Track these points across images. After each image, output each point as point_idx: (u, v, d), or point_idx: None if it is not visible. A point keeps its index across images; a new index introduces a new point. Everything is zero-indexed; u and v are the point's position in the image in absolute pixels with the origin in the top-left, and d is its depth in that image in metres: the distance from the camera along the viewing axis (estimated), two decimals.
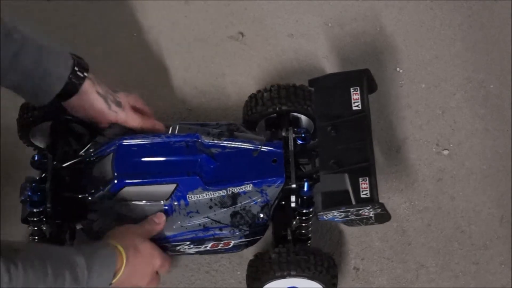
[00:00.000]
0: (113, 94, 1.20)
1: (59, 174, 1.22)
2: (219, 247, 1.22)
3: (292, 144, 1.24)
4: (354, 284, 1.36)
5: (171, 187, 1.16)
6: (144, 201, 1.17)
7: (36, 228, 1.22)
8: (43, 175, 1.23)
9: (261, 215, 1.19)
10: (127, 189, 1.15)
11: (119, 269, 1.05)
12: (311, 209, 1.20)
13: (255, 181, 1.18)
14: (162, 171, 1.16)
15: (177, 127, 1.24)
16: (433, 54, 1.59)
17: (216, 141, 1.20)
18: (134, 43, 1.60)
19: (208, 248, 1.22)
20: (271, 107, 1.30)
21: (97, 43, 1.59)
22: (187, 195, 1.17)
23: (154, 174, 1.15)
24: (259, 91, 1.33)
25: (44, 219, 1.21)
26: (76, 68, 1.14)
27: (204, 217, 1.18)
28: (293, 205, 1.21)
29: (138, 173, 1.15)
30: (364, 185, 1.11)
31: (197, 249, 1.22)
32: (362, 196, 1.09)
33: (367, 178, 1.10)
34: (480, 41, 1.60)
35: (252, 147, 1.21)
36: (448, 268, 1.37)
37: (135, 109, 1.23)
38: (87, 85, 1.15)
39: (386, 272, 1.37)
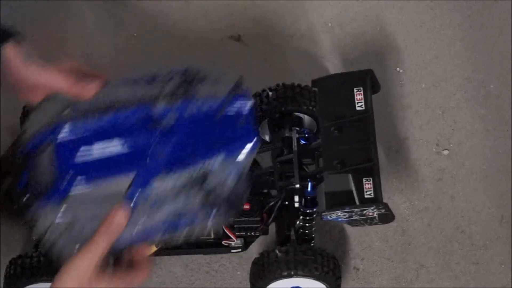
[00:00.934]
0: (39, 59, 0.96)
1: None
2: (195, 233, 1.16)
3: (295, 144, 1.24)
4: (354, 284, 1.36)
5: (128, 179, 0.92)
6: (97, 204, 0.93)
7: None
8: None
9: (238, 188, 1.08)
10: (76, 192, 0.90)
11: None
12: (314, 209, 1.20)
13: (226, 150, 0.94)
14: (115, 160, 0.91)
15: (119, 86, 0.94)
16: (433, 54, 1.59)
17: (170, 105, 0.93)
18: (134, 43, 1.60)
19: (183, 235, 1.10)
20: (276, 107, 1.30)
21: (97, 43, 1.59)
22: (149, 184, 0.92)
23: (105, 166, 0.90)
24: (264, 90, 1.33)
25: None
26: None
27: (172, 206, 1.01)
28: (296, 205, 1.21)
29: (87, 169, 0.90)
30: (368, 185, 1.11)
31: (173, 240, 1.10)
32: (366, 196, 1.09)
33: (370, 178, 1.10)
34: (480, 41, 1.60)
35: (216, 106, 0.95)
36: (448, 268, 1.37)
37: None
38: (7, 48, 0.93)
39: (386, 272, 1.37)
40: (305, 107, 1.29)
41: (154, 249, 1.21)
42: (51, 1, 1.63)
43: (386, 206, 1.09)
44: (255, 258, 1.23)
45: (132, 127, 0.91)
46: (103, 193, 0.91)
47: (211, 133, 0.93)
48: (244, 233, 1.25)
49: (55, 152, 0.89)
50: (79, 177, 0.89)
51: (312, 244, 1.26)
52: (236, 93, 0.94)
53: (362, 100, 1.19)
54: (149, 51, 1.59)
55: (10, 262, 1.21)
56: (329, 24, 1.62)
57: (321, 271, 1.18)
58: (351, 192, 1.11)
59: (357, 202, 1.10)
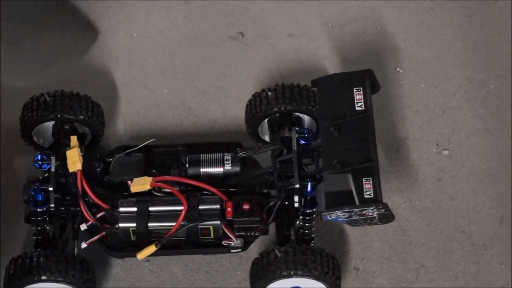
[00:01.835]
0: None
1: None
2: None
3: (295, 144, 1.23)
4: (354, 284, 1.36)
5: None
6: None
7: (39, 228, 1.22)
8: (46, 175, 1.23)
9: None
10: None
11: None
12: (314, 209, 1.20)
13: None
14: None
15: None
16: (433, 54, 1.59)
17: None
18: (134, 43, 1.59)
19: None
20: (275, 107, 1.30)
21: (97, 43, 1.59)
22: None
23: None
24: (263, 90, 1.33)
25: (47, 218, 1.21)
26: None
27: None
28: (296, 205, 1.21)
29: None
30: (368, 185, 1.10)
31: None
32: (366, 196, 1.08)
33: (370, 178, 1.10)
34: (480, 41, 1.60)
35: None
36: (448, 268, 1.37)
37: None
38: None
39: (386, 272, 1.37)
40: (304, 107, 1.29)
41: (154, 249, 1.21)
42: (51, 1, 1.63)
43: (386, 206, 1.09)
44: (255, 258, 1.23)
45: None
46: None
47: None
48: (244, 233, 1.25)
49: None
50: None
51: (312, 244, 1.26)
52: None
53: (362, 100, 1.19)
54: (149, 51, 1.58)
55: (10, 262, 1.21)
56: (329, 24, 1.62)
57: (321, 271, 1.18)
58: (351, 192, 1.11)
59: (357, 202, 1.10)
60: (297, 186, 1.19)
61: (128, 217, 1.23)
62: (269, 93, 1.31)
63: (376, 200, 1.09)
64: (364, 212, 1.11)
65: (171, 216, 1.22)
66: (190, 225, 1.21)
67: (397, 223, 1.40)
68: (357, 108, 1.19)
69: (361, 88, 1.20)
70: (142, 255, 1.22)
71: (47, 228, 1.22)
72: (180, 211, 1.21)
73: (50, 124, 1.31)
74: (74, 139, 1.25)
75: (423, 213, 1.42)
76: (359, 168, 1.12)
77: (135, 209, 1.23)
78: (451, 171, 1.46)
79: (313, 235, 1.25)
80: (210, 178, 1.27)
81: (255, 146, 1.35)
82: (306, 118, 1.33)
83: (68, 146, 1.25)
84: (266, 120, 1.34)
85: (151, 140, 1.31)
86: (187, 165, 1.27)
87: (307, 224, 1.22)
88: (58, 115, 1.28)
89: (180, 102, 1.52)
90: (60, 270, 1.17)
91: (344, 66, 1.57)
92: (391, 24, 1.62)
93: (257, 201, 1.24)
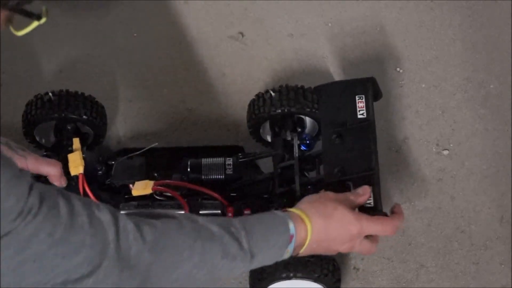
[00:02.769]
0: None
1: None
2: None
3: (297, 151, 1.23)
4: (354, 284, 1.36)
5: None
6: None
7: None
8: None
9: None
10: None
11: (304, 237, 0.99)
12: None
13: None
14: None
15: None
16: (433, 54, 1.59)
17: None
18: (134, 43, 1.60)
19: None
20: (279, 108, 1.30)
21: (97, 43, 1.59)
22: None
23: None
24: (267, 91, 1.33)
25: None
26: None
27: None
28: None
29: None
30: None
31: None
32: (366, 205, 1.08)
33: (371, 187, 1.09)
34: (480, 41, 1.60)
35: None
36: (448, 268, 1.37)
37: None
38: None
39: (386, 272, 1.37)
40: (308, 110, 1.29)
41: None
42: (51, 0, 1.62)
43: (385, 215, 1.09)
44: None
45: None
46: None
47: None
48: None
49: None
50: None
51: None
52: None
53: (364, 108, 1.19)
54: (149, 51, 1.59)
55: None
56: (329, 24, 1.62)
57: (320, 273, 1.18)
58: None
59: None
60: (298, 194, 1.19)
61: None
62: (273, 94, 1.31)
63: (376, 209, 1.08)
64: None
65: None
66: None
67: None
68: (359, 116, 1.18)
69: (363, 96, 1.19)
70: None
71: None
72: None
73: (53, 123, 1.31)
74: (76, 142, 1.25)
75: (423, 213, 1.42)
76: (360, 177, 1.12)
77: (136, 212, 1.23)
78: (451, 171, 1.46)
79: None
80: (212, 183, 1.27)
81: (256, 151, 1.35)
82: (308, 120, 1.32)
83: (70, 147, 1.25)
84: (268, 121, 1.33)
85: (154, 145, 1.31)
86: (188, 170, 1.27)
87: None
88: (62, 114, 1.29)
89: (180, 102, 1.52)
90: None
91: (343, 66, 1.57)
92: (391, 24, 1.62)
93: (258, 207, 1.24)
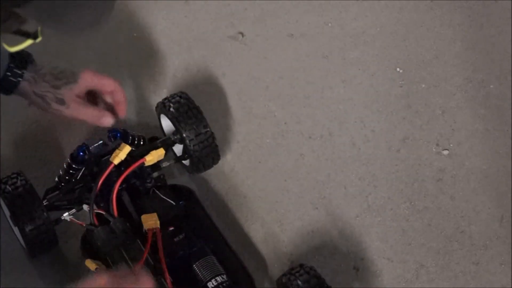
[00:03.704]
0: (54, 91, 1.13)
1: None
2: None
3: None
4: (354, 284, 1.36)
5: None
6: None
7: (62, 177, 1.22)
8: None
9: None
10: None
11: None
12: None
13: None
14: None
15: None
16: (433, 54, 1.59)
17: None
18: (134, 43, 1.60)
19: None
20: None
21: (97, 43, 1.59)
22: None
23: None
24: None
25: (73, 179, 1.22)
26: (8, 74, 1.09)
27: None
28: None
29: None
30: None
31: None
32: None
33: None
34: (480, 41, 1.60)
35: None
36: (448, 268, 1.37)
37: (90, 94, 1.16)
38: (23, 85, 1.11)
39: (386, 272, 1.37)
40: None
41: None
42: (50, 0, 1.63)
43: None
44: None
45: None
46: None
47: None
48: None
49: None
50: None
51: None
52: None
53: None
54: (149, 51, 1.59)
55: None
56: (329, 24, 1.62)
57: None
58: None
59: None
60: None
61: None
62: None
63: None
64: None
65: None
66: None
67: (397, 223, 1.40)
68: None
69: None
70: None
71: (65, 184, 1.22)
72: None
73: None
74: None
75: (423, 213, 1.42)
76: None
77: None
78: (451, 171, 1.46)
79: None
80: None
81: None
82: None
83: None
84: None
85: None
86: None
87: None
88: None
89: None
90: None
91: (343, 66, 1.57)
92: (391, 24, 1.62)
93: None
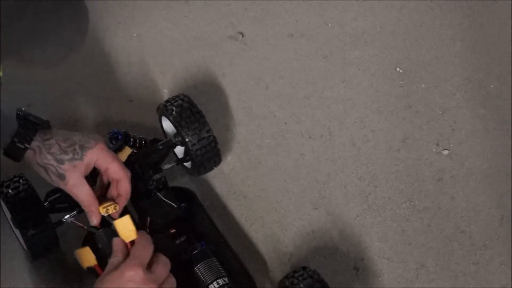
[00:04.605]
0: (57, 165, 1.07)
1: None
2: None
3: None
4: (354, 284, 1.36)
5: None
6: None
7: None
8: None
9: None
10: None
11: None
12: None
13: None
14: None
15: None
16: (433, 54, 1.59)
17: None
18: (134, 43, 1.60)
19: None
20: None
21: (97, 43, 1.59)
22: None
23: None
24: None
25: None
26: (15, 139, 1.06)
27: None
28: None
29: None
30: None
31: None
32: None
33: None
34: (480, 41, 1.60)
35: None
36: (448, 268, 1.37)
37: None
38: (28, 155, 1.08)
39: (386, 272, 1.37)
40: None
41: None
42: (50, 0, 1.63)
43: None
44: None
45: None
46: None
47: None
48: None
49: None
50: None
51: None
52: None
53: None
54: (149, 51, 1.59)
55: None
56: (329, 24, 1.62)
57: None
58: None
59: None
60: None
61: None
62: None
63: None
64: None
65: None
66: None
67: (397, 223, 1.40)
68: None
69: None
70: None
71: None
72: None
73: None
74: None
75: (423, 213, 1.42)
76: None
77: None
78: (451, 171, 1.46)
79: None
80: None
81: None
82: None
83: None
84: None
85: None
86: None
87: None
88: None
89: None
90: None
91: (343, 66, 1.57)
92: (391, 24, 1.62)
93: None
